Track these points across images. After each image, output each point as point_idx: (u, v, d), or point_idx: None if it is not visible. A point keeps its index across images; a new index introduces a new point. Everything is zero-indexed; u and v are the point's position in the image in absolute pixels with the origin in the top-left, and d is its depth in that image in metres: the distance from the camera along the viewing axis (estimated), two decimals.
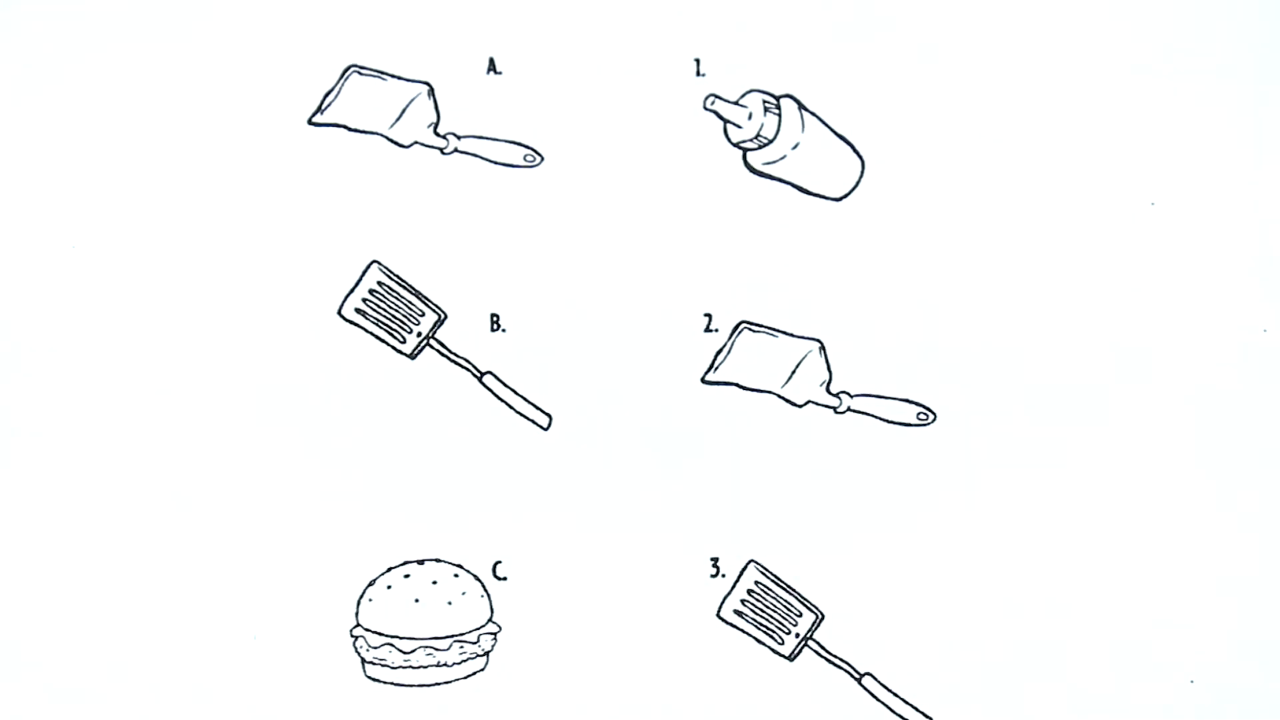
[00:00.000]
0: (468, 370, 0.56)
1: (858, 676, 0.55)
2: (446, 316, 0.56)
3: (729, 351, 0.56)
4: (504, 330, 0.56)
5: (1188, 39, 0.55)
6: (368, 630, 0.54)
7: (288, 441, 0.55)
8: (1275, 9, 0.56)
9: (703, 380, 0.56)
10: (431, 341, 0.56)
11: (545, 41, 0.56)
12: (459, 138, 0.56)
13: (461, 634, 0.54)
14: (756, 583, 0.55)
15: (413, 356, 0.56)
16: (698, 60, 0.57)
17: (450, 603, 0.54)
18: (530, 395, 0.56)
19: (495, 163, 0.56)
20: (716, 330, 0.56)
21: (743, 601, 0.55)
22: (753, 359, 0.56)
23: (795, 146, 0.57)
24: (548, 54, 0.55)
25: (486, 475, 0.55)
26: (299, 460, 0.55)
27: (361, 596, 0.54)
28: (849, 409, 0.56)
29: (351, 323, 0.56)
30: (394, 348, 0.56)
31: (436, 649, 0.54)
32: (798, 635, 0.55)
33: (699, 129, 0.57)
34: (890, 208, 0.57)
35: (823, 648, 0.55)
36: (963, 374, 0.56)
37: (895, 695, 0.54)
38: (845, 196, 0.57)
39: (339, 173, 0.56)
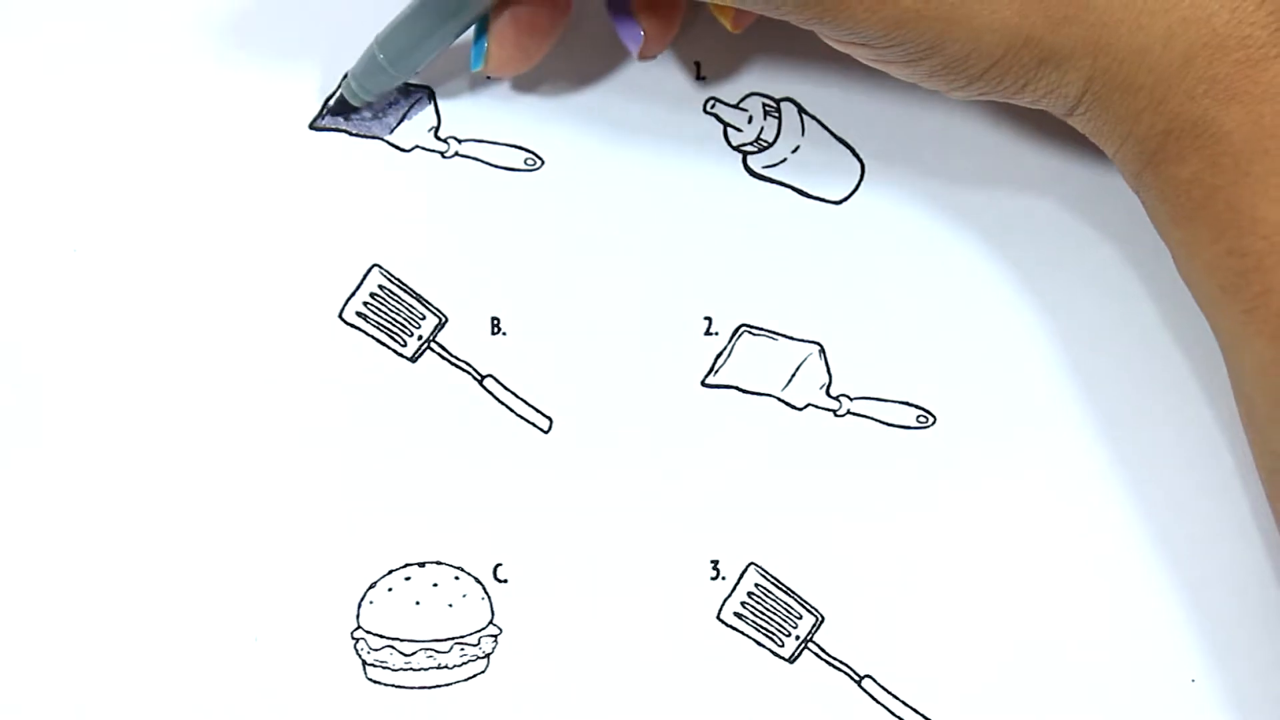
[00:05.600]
0: (468, 373, 0.56)
1: (858, 679, 0.54)
2: (447, 320, 0.56)
3: (729, 355, 0.56)
4: (504, 334, 0.56)
5: None
6: (369, 633, 0.54)
7: (289, 444, 0.55)
8: None
9: (703, 383, 0.56)
10: (432, 345, 0.56)
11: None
12: (460, 141, 0.57)
13: (462, 636, 0.54)
14: (756, 585, 0.55)
15: (413, 360, 0.56)
16: (698, 64, 0.57)
17: (451, 605, 0.54)
18: (531, 398, 0.56)
19: (496, 166, 0.57)
20: (717, 333, 0.56)
21: (743, 604, 0.55)
22: (753, 362, 0.56)
23: (795, 150, 0.57)
24: (548, 59, 0.55)
25: (487, 478, 0.55)
26: (300, 463, 0.55)
27: (362, 599, 0.54)
28: (849, 412, 0.56)
29: (353, 326, 0.56)
30: (395, 351, 0.56)
31: (437, 651, 0.54)
32: (798, 637, 0.55)
33: (699, 132, 0.57)
34: (890, 211, 0.57)
35: (823, 650, 0.55)
36: (962, 376, 0.56)
37: (895, 698, 0.54)
38: (845, 200, 0.57)
39: (340, 177, 0.56)
